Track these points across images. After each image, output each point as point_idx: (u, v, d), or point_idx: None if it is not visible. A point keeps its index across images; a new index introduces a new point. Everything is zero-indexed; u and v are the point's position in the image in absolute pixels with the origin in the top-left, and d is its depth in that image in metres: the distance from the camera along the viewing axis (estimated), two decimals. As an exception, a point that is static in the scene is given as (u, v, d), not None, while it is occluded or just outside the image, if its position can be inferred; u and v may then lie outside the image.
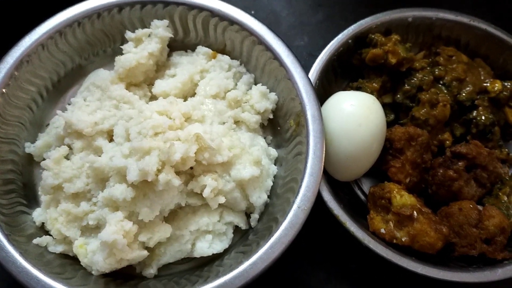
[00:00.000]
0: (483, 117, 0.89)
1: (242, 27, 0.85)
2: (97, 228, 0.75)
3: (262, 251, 0.70)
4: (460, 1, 1.08)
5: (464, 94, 0.90)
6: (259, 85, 0.87)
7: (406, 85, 0.90)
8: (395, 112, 0.92)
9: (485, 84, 0.91)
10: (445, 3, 1.07)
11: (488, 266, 0.75)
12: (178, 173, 0.74)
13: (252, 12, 1.04)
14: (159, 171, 0.71)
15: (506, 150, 0.92)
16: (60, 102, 0.88)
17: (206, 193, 0.74)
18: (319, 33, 1.04)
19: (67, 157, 0.79)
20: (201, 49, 0.90)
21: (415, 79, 0.90)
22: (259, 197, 0.79)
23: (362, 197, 0.90)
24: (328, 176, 0.84)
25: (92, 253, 0.73)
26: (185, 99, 0.85)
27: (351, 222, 0.76)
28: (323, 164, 0.75)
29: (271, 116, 0.87)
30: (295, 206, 0.73)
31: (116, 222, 0.70)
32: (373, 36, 0.90)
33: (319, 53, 0.90)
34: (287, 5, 1.06)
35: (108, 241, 0.68)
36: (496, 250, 0.78)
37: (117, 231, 0.69)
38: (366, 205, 0.86)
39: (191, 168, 0.76)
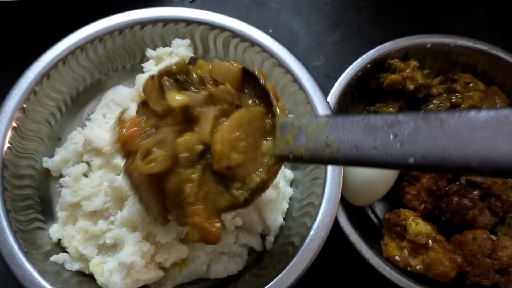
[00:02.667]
0: (497, 146, 0.89)
1: (263, 49, 0.85)
2: (114, 246, 0.75)
3: (279, 276, 0.70)
4: (475, 26, 1.09)
5: (479, 122, 0.90)
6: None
7: (423, 111, 0.91)
8: (411, 137, 0.93)
9: (500, 112, 0.91)
10: (461, 27, 1.09)
11: (501, 297, 0.76)
12: (196, 194, 0.75)
13: (270, 30, 1.04)
14: (178, 193, 0.71)
15: (520, 178, 0.93)
16: (78, 116, 0.88)
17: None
18: (335, 54, 1.04)
19: (85, 174, 0.79)
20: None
21: (432, 105, 0.90)
22: (275, 220, 0.80)
23: (375, 220, 0.90)
24: (343, 200, 0.84)
25: (109, 272, 0.73)
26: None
27: (366, 249, 0.77)
28: (340, 190, 0.76)
29: (288, 138, 0.87)
30: (312, 232, 0.73)
31: (134, 243, 0.70)
32: (391, 61, 0.91)
33: (335, 75, 0.90)
34: (305, 24, 1.06)
35: (127, 262, 0.68)
36: (509, 281, 0.78)
37: (135, 252, 0.69)
38: (378, 229, 0.87)
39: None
